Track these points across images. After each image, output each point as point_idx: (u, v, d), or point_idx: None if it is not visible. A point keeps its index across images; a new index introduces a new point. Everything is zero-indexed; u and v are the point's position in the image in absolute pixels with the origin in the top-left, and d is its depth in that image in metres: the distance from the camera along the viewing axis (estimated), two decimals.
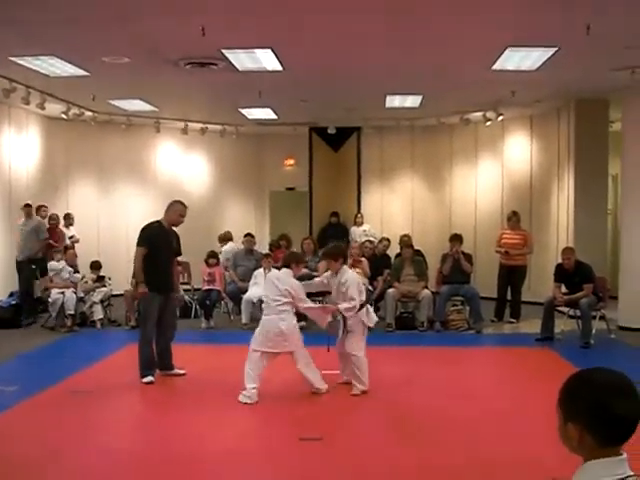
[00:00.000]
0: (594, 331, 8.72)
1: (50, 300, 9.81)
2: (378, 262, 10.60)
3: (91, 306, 10.28)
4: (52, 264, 10.22)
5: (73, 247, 11.71)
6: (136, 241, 7.04)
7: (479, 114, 11.78)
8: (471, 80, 9.28)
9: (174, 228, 7.19)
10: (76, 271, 10.74)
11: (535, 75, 8.68)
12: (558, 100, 10.88)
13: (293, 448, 4.95)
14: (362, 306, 6.36)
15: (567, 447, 1.73)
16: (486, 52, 7.77)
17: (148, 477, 4.42)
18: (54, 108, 10.93)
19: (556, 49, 7.53)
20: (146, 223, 7.19)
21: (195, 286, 11.45)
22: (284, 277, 6.25)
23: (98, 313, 10.21)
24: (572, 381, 1.76)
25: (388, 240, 11.39)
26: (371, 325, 6.55)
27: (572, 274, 8.89)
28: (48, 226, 11.57)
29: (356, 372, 6.36)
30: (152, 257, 6.93)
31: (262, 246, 12.55)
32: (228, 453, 4.89)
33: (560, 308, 9.24)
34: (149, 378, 6.75)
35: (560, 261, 9.14)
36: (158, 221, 7.10)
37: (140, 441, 5.23)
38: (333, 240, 12.84)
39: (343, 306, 6.23)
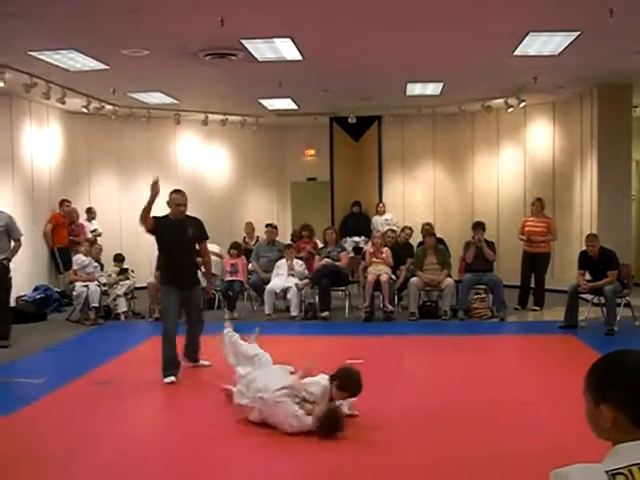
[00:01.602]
0: (618, 318, 8.62)
1: (75, 293, 9.89)
2: (401, 251, 10.56)
3: (115, 299, 10.35)
4: (78, 258, 10.30)
5: (95, 240, 11.82)
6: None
7: (501, 101, 11.65)
8: (492, 66, 9.18)
9: (194, 215, 6.99)
10: (100, 265, 10.82)
11: (557, 60, 8.55)
12: (580, 85, 10.72)
13: (315, 439, 4.96)
14: None
15: (595, 431, 1.71)
16: (507, 37, 7.67)
17: (171, 467, 4.44)
18: (75, 102, 10.99)
19: (578, 33, 7.41)
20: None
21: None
22: None
23: (122, 306, 10.29)
24: (602, 364, 1.75)
25: (410, 229, 11.33)
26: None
27: (596, 261, 8.79)
28: (68, 221, 11.73)
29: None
30: (163, 250, 6.87)
31: (284, 237, 12.56)
32: (253, 445, 4.91)
33: (584, 295, 9.16)
34: (170, 379, 6.59)
35: (584, 248, 9.03)
36: (166, 215, 6.86)
37: (164, 432, 5.26)
38: (355, 230, 13.02)
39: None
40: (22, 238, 8.63)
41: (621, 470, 1.57)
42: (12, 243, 8.50)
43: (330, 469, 4.49)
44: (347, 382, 5.12)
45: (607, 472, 1.57)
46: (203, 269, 7.59)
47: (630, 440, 1.63)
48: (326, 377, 5.17)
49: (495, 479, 4.19)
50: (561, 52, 8.19)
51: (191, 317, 7.01)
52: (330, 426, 4.91)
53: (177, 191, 6.91)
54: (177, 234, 6.72)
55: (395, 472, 4.40)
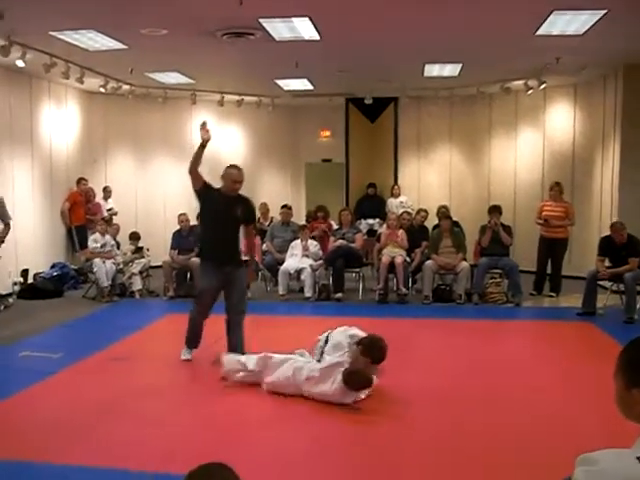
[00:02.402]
0: (638, 306, 8.50)
1: (95, 269, 9.94)
2: (416, 234, 10.51)
3: (130, 277, 10.40)
4: (95, 237, 10.33)
5: (111, 219, 11.88)
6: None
7: (520, 82, 11.50)
8: (513, 47, 9.03)
9: (245, 195, 6.52)
10: (117, 243, 10.87)
11: (581, 40, 8.37)
12: (605, 67, 10.51)
13: (332, 413, 4.98)
14: None
15: (624, 414, 1.69)
16: (530, 16, 7.51)
17: (185, 441, 4.48)
18: (92, 82, 11.00)
19: (605, 12, 7.21)
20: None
21: None
22: None
23: (137, 284, 10.34)
24: (634, 347, 1.72)
25: (426, 211, 11.27)
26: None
27: (619, 247, 8.65)
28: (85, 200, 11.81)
29: None
30: (205, 222, 6.42)
31: (298, 218, 12.54)
32: (267, 421, 4.97)
33: (602, 283, 9.05)
34: (184, 356, 6.49)
35: (605, 234, 8.92)
36: (218, 188, 6.33)
37: (177, 407, 5.30)
38: (370, 212, 12.96)
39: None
40: (11, 222, 8.52)
41: None
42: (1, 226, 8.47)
43: (351, 440, 4.59)
44: (371, 348, 5.31)
45: (638, 458, 1.56)
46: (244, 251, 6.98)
47: None
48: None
49: (506, 460, 4.19)
50: (586, 31, 7.99)
51: (232, 303, 6.35)
52: (357, 379, 5.13)
53: (235, 167, 6.39)
54: (225, 210, 6.22)
55: (413, 443, 4.50)
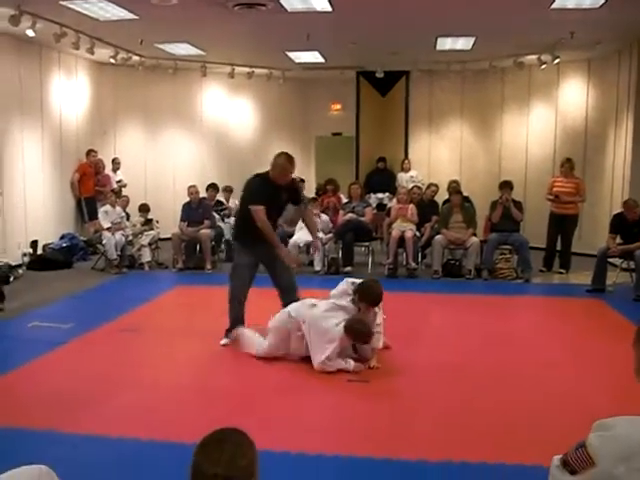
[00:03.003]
0: None
1: (104, 241, 9.96)
2: (426, 208, 10.48)
3: (139, 249, 10.43)
4: (105, 209, 10.33)
5: (120, 191, 11.89)
6: (242, 198, 6.17)
7: (534, 57, 11.37)
8: (528, 20, 8.90)
9: (293, 177, 6.23)
10: (127, 215, 10.88)
11: (597, 14, 8.22)
12: (620, 42, 10.35)
13: (342, 387, 5.01)
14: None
15: None
16: None
17: (197, 411, 4.51)
18: (103, 53, 10.95)
19: None
20: (251, 176, 6.22)
21: None
22: None
23: (146, 256, 10.36)
24: None
25: (436, 186, 11.22)
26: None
27: (631, 224, 8.60)
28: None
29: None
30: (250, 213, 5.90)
31: (308, 191, 12.52)
32: (281, 390, 5.02)
33: (612, 260, 9.01)
34: (223, 340, 6.17)
35: (617, 212, 8.87)
36: (266, 173, 6.03)
37: (185, 379, 5.34)
38: (380, 186, 12.91)
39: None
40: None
41: None
42: None
43: (354, 413, 4.61)
44: (365, 291, 5.57)
45: None
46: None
47: None
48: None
49: (517, 436, 4.20)
50: (602, 4, 7.85)
51: (282, 280, 6.14)
52: (358, 329, 5.31)
53: (289, 158, 6.00)
54: (276, 197, 6.00)
55: (423, 418, 4.52)
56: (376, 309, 5.67)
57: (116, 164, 12.56)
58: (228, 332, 6.17)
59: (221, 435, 1.88)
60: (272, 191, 5.95)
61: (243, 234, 6.17)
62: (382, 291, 5.64)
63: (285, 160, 5.97)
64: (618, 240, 8.80)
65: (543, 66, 11.48)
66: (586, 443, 1.64)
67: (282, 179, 5.97)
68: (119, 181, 12.45)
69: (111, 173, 12.43)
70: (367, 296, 5.58)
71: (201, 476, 1.78)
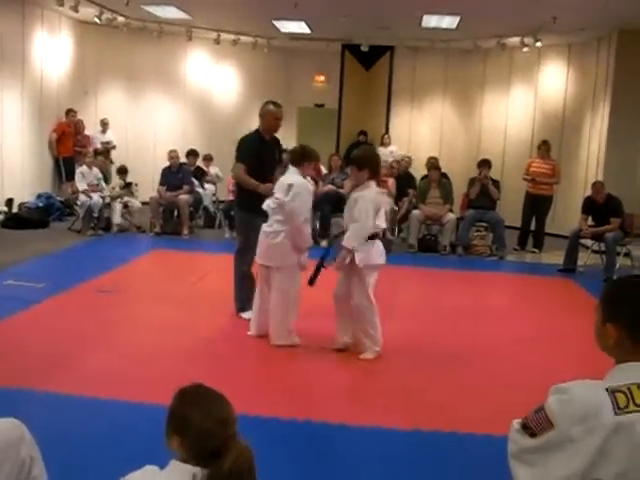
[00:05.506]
0: (617, 266, 8.67)
1: (79, 202, 9.92)
2: (402, 181, 10.59)
3: (120, 212, 10.36)
4: (82, 170, 10.26)
5: (108, 152, 11.79)
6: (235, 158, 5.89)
7: (516, 39, 11.44)
8: (513, 2, 8.96)
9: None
10: (107, 178, 10.78)
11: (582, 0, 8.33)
12: (601, 29, 10.46)
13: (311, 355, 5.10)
14: (373, 237, 5.14)
15: (601, 346, 1.81)
16: None
17: (172, 373, 4.55)
18: (87, 12, 10.80)
19: None
20: (243, 135, 6.02)
21: (220, 198, 11.61)
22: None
23: (116, 218, 10.25)
24: (616, 285, 1.86)
25: (410, 157, 11.37)
26: (361, 265, 5.06)
27: (601, 207, 8.81)
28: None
29: (368, 330, 5.12)
30: (252, 174, 5.67)
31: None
32: (256, 359, 5.11)
33: (584, 242, 9.21)
34: (247, 314, 5.78)
35: (589, 194, 9.05)
36: (256, 131, 5.89)
37: (162, 339, 5.37)
38: None
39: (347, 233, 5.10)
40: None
41: (621, 388, 1.64)
42: None
43: (326, 387, 4.66)
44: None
45: (607, 389, 1.65)
46: None
47: (632, 360, 1.70)
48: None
49: (480, 405, 4.32)
50: None
51: None
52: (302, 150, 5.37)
53: (275, 104, 5.84)
54: (268, 155, 5.84)
55: (383, 394, 4.58)
56: (369, 185, 5.06)
57: (105, 125, 12.46)
58: (239, 306, 5.97)
59: (200, 389, 1.92)
60: (263, 147, 5.81)
61: (248, 198, 5.74)
62: (371, 155, 5.27)
63: (272, 105, 5.84)
64: (589, 222, 9.00)
65: (525, 48, 11.56)
66: (545, 406, 1.71)
67: (273, 128, 5.83)
68: (108, 142, 12.33)
69: (99, 134, 12.33)
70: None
71: (203, 429, 1.81)
